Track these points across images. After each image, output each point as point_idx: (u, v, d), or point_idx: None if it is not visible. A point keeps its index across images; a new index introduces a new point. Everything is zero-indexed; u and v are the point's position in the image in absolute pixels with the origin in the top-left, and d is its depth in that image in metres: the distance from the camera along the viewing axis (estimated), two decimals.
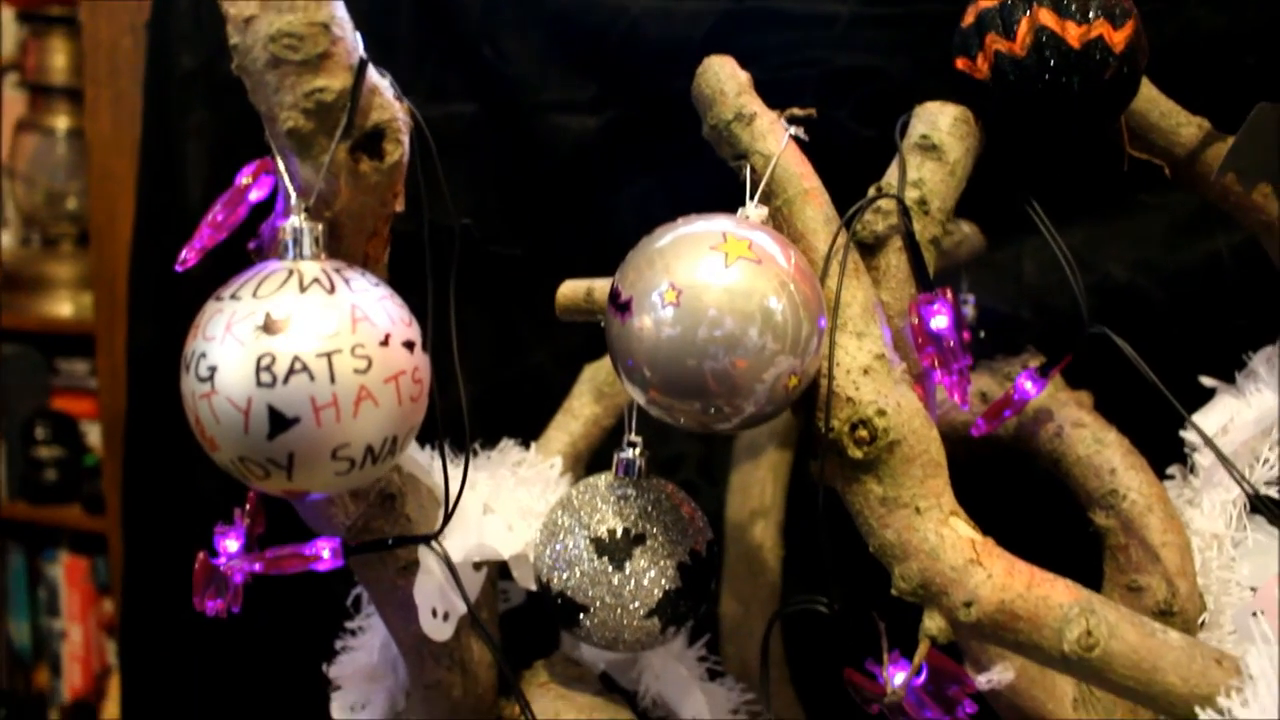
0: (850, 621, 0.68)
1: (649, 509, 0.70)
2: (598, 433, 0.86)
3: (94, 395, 2.11)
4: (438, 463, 0.74)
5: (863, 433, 0.62)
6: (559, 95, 1.12)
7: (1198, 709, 0.59)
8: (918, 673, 0.64)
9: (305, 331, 0.53)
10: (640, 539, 0.69)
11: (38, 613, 2.26)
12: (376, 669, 0.83)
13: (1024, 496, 0.89)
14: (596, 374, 0.88)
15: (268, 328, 0.52)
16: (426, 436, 0.79)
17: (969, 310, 0.97)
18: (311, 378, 0.52)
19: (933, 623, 0.62)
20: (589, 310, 0.73)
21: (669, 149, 1.05)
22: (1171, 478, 0.83)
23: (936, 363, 0.66)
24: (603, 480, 0.73)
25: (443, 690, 0.79)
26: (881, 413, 0.61)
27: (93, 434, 2.18)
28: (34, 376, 2.20)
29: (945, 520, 0.62)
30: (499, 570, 0.83)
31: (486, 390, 1.13)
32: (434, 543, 0.68)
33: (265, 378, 0.52)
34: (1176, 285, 1.06)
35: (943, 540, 0.62)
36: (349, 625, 0.87)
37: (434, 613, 0.74)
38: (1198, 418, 0.81)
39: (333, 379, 0.53)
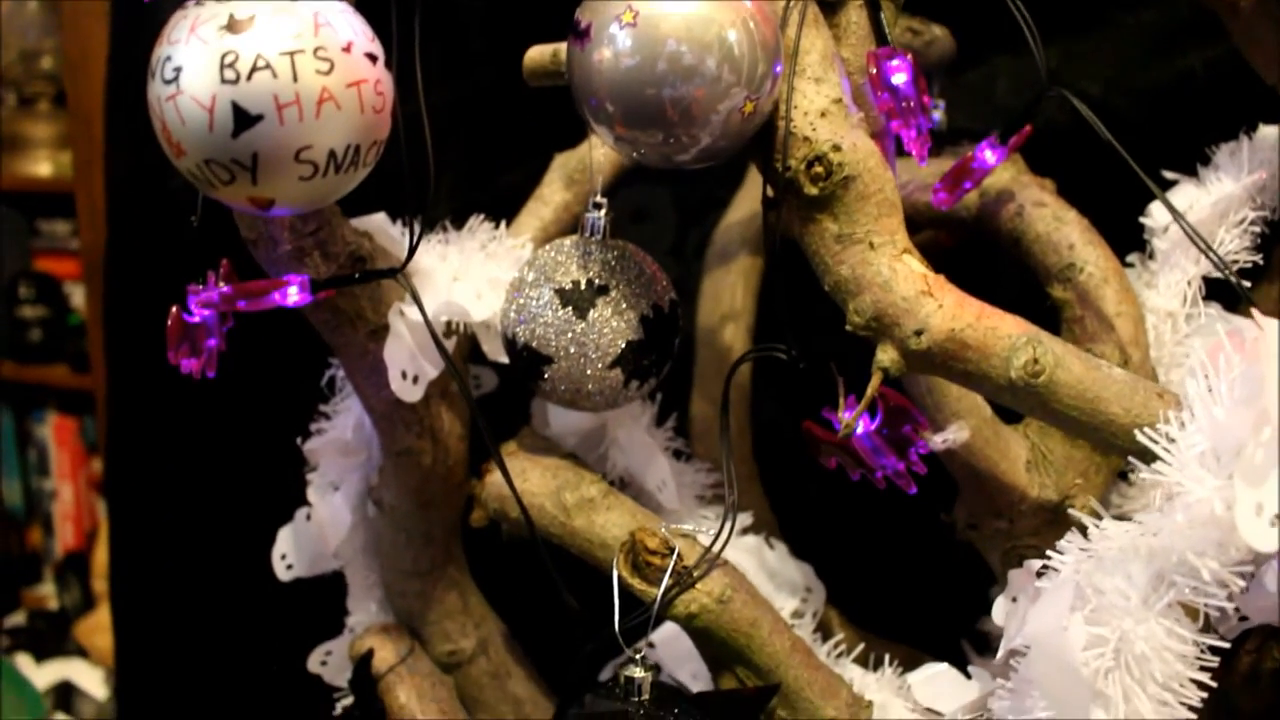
0: (808, 368, 0.70)
1: (612, 263, 0.72)
2: (568, 218, 0.87)
3: (76, 256, 2.11)
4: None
5: (818, 169, 0.63)
6: None
7: (1137, 432, 0.61)
8: (871, 407, 0.66)
9: (268, 31, 0.54)
10: (603, 290, 0.71)
11: (28, 473, 2.29)
12: (350, 444, 0.85)
13: (983, 282, 0.91)
14: (567, 162, 0.89)
15: (231, 27, 0.53)
16: (396, 213, 0.81)
17: (939, 115, 0.98)
18: (274, 75, 0.53)
19: (885, 355, 0.64)
20: (555, 71, 0.73)
21: None
22: (1131, 265, 0.84)
23: (894, 113, 0.67)
24: (568, 240, 0.74)
25: (413, 458, 0.81)
26: (837, 148, 0.63)
27: (76, 295, 2.20)
28: (16, 237, 2.20)
29: (899, 256, 0.64)
30: (470, 353, 0.85)
31: (460, 208, 1.14)
32: (400, 277, 0.70)
33: (229, 75, 0.53)
34: (1150, 101, 1.07)
35: (895, 274, 0.63)
36: (324, 409, 0.89)
37: (404, 375, 0.76)
38: (1158, 205, 0.82)
39: (295, 78, 0.54)
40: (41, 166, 2.10)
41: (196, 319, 0.73)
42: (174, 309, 0.72)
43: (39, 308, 2.14)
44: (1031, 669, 0.62)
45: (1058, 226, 0.80)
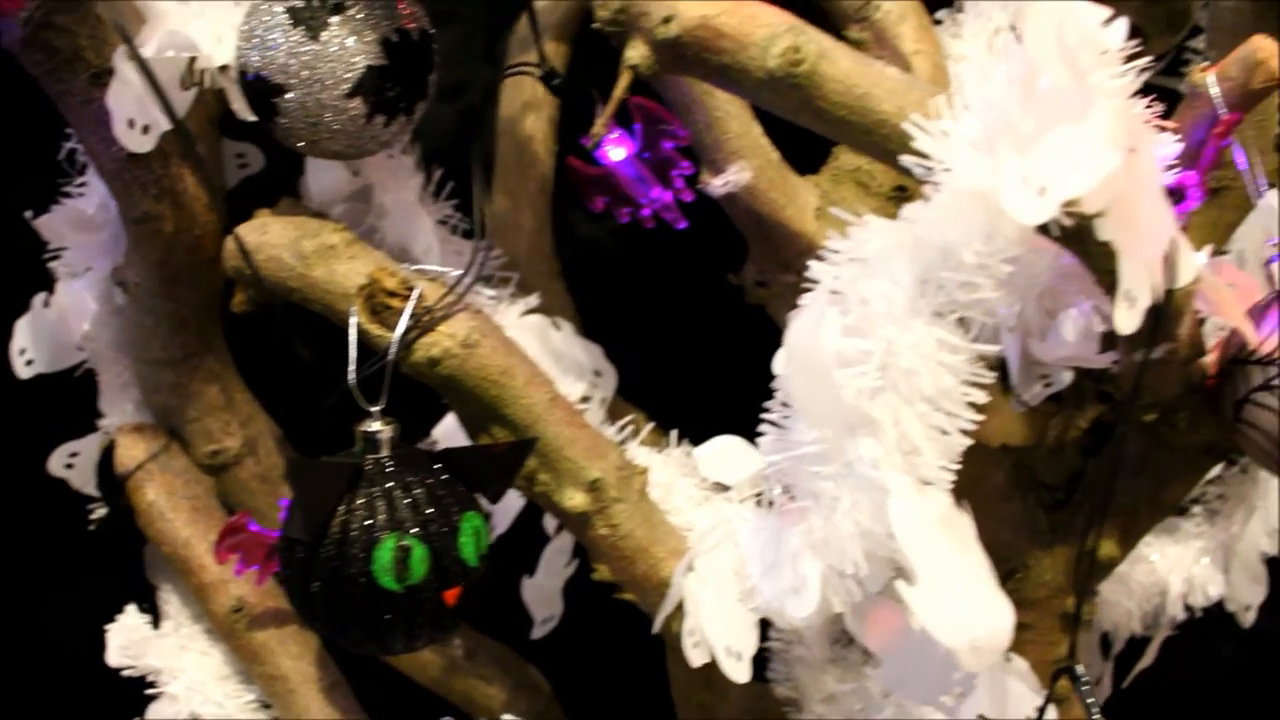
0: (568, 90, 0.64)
1: None
2: None
3: None
4: None
5: None
6: None
7: (906, 125, 0.55)
8: (628, 124, 0.60)
9: None
10: (338, 7, 0.63)
11: None
12: (89, 218, 0.77)
13: None
14: None
15: None
16: None
17: None
18: None
19: (634, 51, 0.57)
20: None
21: None
22: (939, 23, 0.79)
23: None
24: None
25: (152, 225, 0.72)
26: None
27: None
28: None
29: None
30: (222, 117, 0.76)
31: None
32: None
33: None
34: None
35: None
36: (66, 188, 0.80)
37: (131, 124, 0.68)
38: None
39: None
40: None
41: None
42: None
43: None
44: (790, 392, 0.56)
45: None
